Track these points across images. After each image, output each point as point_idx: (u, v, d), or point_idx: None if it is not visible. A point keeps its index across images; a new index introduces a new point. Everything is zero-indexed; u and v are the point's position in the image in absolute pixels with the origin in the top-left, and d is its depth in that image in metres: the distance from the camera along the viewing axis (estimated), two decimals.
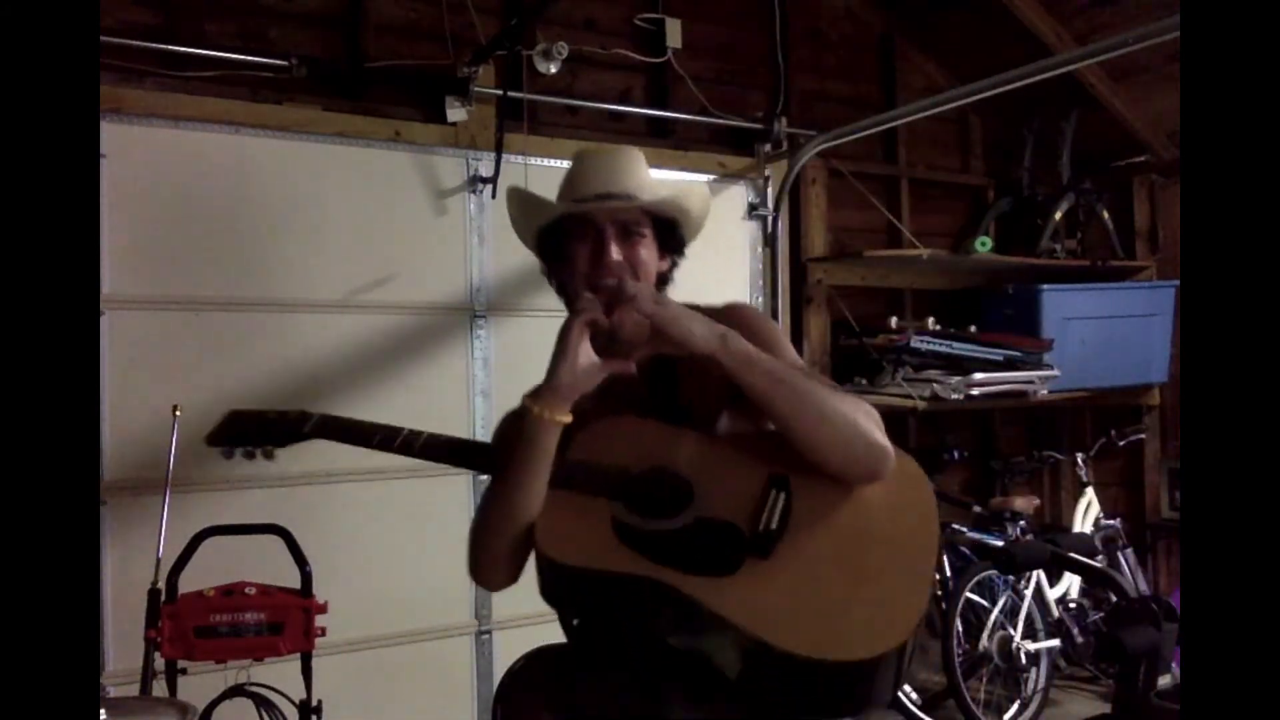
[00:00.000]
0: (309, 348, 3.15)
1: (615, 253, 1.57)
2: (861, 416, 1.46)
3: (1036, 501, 4.31)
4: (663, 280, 1.68)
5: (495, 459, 1.58)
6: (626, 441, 1.53)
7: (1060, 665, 4.09)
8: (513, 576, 1.60)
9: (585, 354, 1.50)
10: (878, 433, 1.46)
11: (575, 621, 1.69)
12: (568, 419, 1.50)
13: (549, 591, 1.55)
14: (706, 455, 1.52)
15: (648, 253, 1.61)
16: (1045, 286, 4.22)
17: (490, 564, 1.59)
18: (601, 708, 1.49)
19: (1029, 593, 3.86)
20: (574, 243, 1.60)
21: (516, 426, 1.56)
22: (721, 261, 3.87)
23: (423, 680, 3.28)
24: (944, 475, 4.35)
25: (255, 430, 1.72)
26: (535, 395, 1.52)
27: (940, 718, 3.78)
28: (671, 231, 1.66)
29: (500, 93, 3.34)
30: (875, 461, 1.45)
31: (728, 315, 1.57)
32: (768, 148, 4.03)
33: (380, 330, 3.27)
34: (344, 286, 3.21)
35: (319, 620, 2.51)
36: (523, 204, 1.69)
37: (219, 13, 3.18)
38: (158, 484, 2.61)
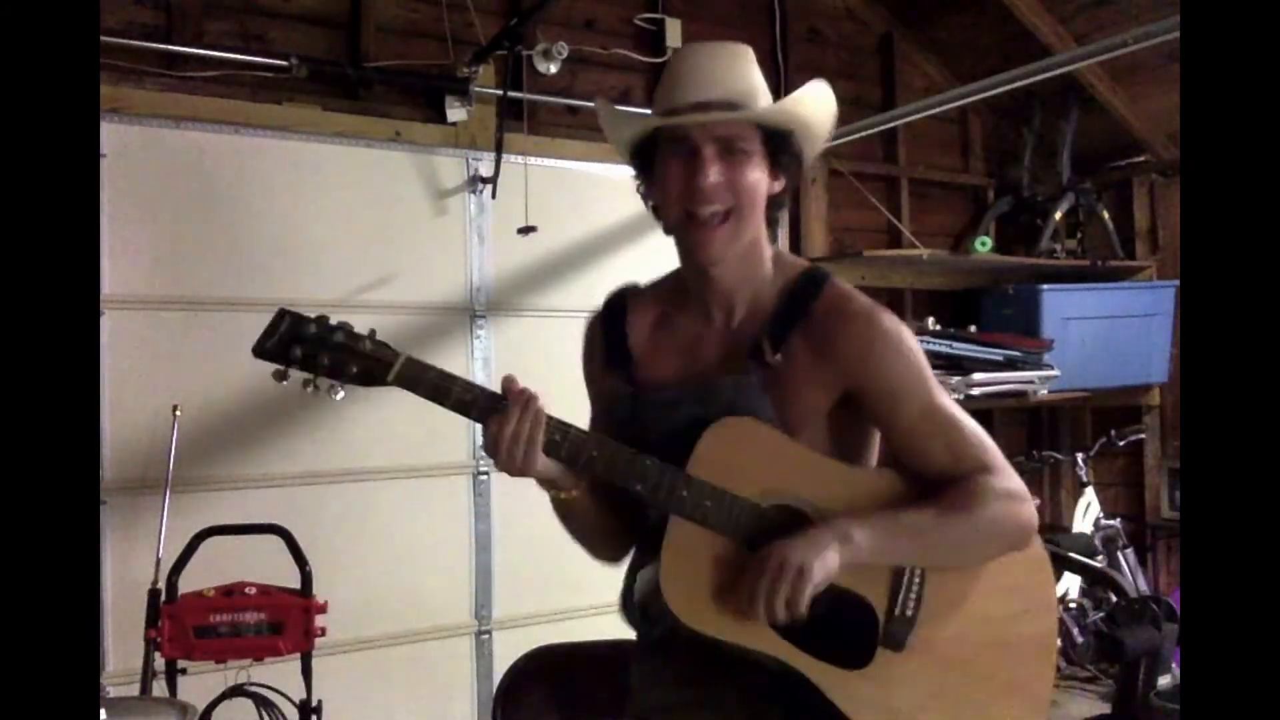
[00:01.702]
0: None
1: (714, 174, 1.33)
2: (1005, 508, 1.35)
3: (1037, 501, 4.30)
4: (775, 205, 1.43)
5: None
6: (752, 460, 1.33)
7: (1060, 665, 4.09)
8: (623, 551, 1.51)
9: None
10: (1020, 507, 1.37)
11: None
12: (573, 494, 1.39)
13: (664, 632, 1.38)
14: (834, 493, 1.34)
15: (755, 173, 1.36)
16: (1045, 286, 4.21)
17: (591, 551, 1.52)
18: None
19: None
20: (667, 160, 1.37)
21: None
22: None
23: (423, 680, 3.27)
24: None
25: (320, 352, 1.35)
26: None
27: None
28: (785, 146, 1.40)
29: (500, 93, 3.34)
30: (1020, 544, 1.40)
31: (850, 318, 1.38)
32: None
33: (380, 330, 3.24)
34: (344, 286, 3.21)
35: (319, 620, 2.51)
36: (610, 116, 1.50)
37: (219, 13, 3.18)
38: (158, 484, 2.62)
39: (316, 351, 1.33)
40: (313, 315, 1.35)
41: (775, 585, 1.23)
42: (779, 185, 1.42)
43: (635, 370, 1.44)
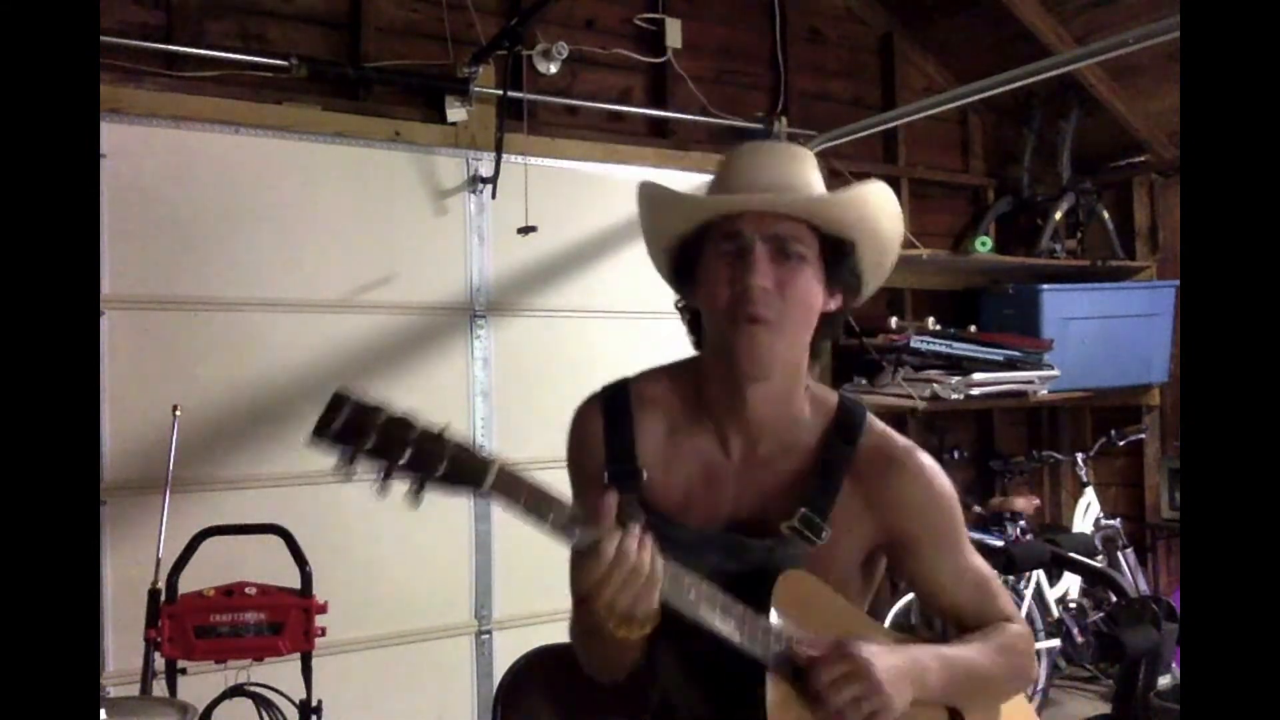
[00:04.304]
0: (309, 348, 3.15)
1: (765, 275, 1.18)
2: (1028, 660, 1.37)
3: (1036, 501, 4.31)
4: (829, 323, 1.27)
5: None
6: (819, 618, 1.22)
7: (1060, 665, 4.09)
8: (627, 673, 1.33)
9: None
10: (1033, 661, 1.38)
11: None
12: (636, 635, 1.16)
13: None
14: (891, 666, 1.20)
15: (809, 282, 1.21)
16: (1045, 286, 4.22)
17: (600, 672, 1.35)
18: None
19: (1029, 593, 3.85)
20: (713, 261, 1.22)
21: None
22: None
23: (423, 680, 3.27)
24: None
25: (399, 446, 1.07)
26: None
27: None
28: (844, 257, 1.24)
29: (500, 93, 3.34)
30: (1023, 689, 1.42)
31: (896, 466, 1.29)
32: None
33: (380, 330, 3.27)
34: (344, 286, 3.21)
35: (319, 620, 2.51)
36: (653, 202, 1.29)
37: (219, 13, 3.18)
38: (158, 484, 2.62)
39: (390, 449, 1.07)
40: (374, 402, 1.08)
41: (855, 697, 1.14)
42: (834, 304, 1.26)
43: (645, 491, 1.26)
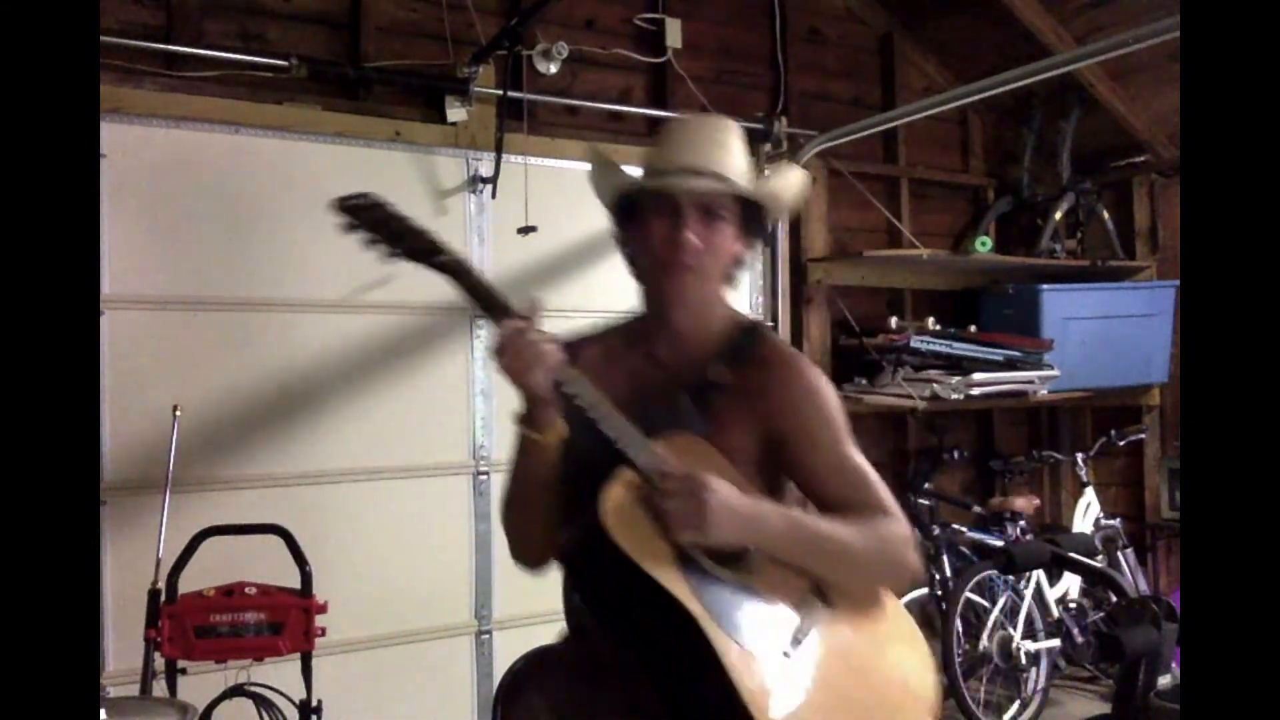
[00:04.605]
0: (309, 348, 3.15)
1: (693, 232, 1.48)
2: (896, 541, 1.48)
3: (1036, 501, 4.31)
4: (738, 263, 1.58)
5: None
6: (703, 465, 1.44)
7: (1060, 665, 4.09)
8: (542, 554, 1.58)
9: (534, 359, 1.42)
10: (908, 549, 1.49)
11: (578, 598, 1.58)
12: (545, 437, 1.46)
13: (581, 553, 1.47)
14: (727, 504, 1.44)
15: (728, 237, 1.52)
16: (1045, 286, 4.22)
17: (517, 543, 1.59)
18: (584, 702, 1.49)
19: (1029, 593, 3.86)
20: (650, 217, 1.51)
21: None
22: None
23: (423, 680, 3.27)
24: (944, 475, 4.35)
25: (387, 225, 1.63)
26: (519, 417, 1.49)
27: (940, 718, 3.78)
28: (756, 215, 1.56)
29: (500, 93, 3.34)
30: (902, 581, 1.54)
31: (778, 367, 1.52)
32: (768, 148, 4.03)
33: (380, 330, 3.27)
34: (344, 286, 3.21)
35: (319, 620, 2.51)
36: (604, 167, 1.62)
37: (219, 13, 3.18)
38: (158, 484, 2.61)
39: (386, 222, 1.59)
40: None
41: (681, 501, 1.36)
42: (742, 249, 1.57)
43: None
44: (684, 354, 1.56)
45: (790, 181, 1.62)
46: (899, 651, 1.55)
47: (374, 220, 1.60)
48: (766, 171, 1.60)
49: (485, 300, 1.52)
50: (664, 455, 1.42)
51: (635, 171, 1.62)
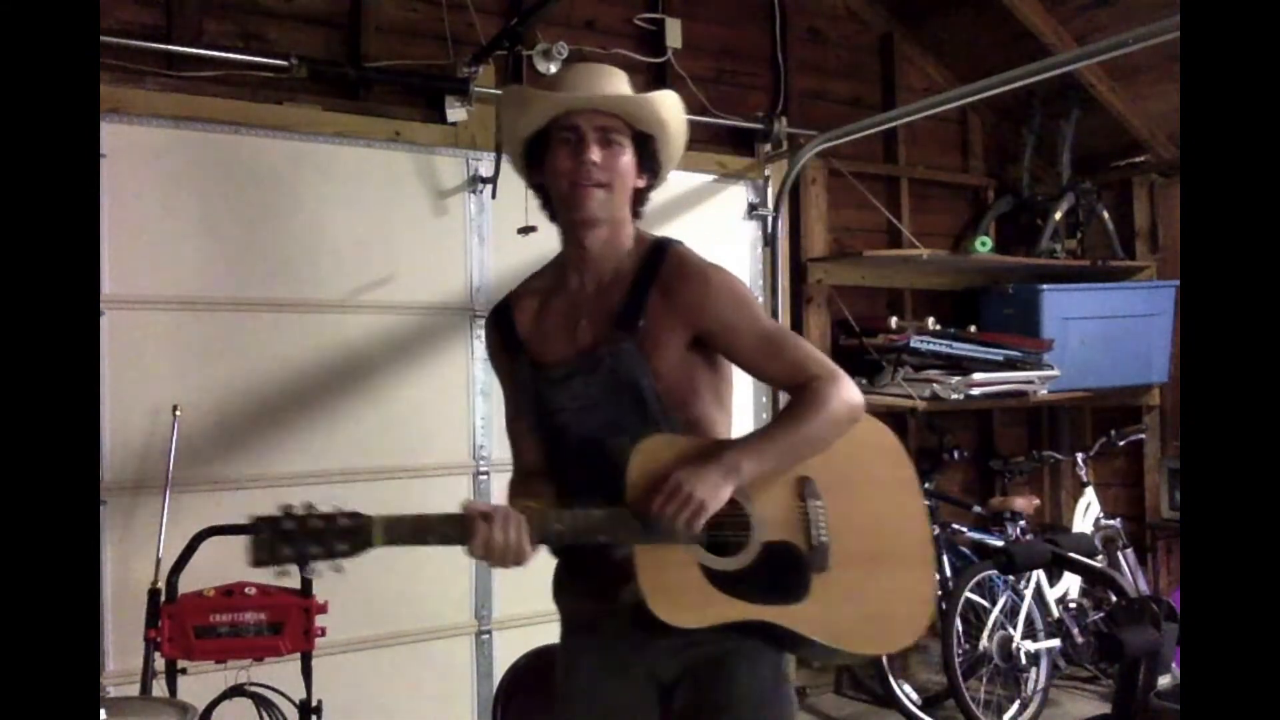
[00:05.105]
0: (309, 348, 3.15)
1: (595, 154, 1.62)
2: (839, 400, 1.63)
3: (1036, 501, 4.31)
4: (640, 198, 1.73)
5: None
6: (673, 466, 1.56)
7: (1060, 665, 4.09)
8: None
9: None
10: (849, 394, 1.65)
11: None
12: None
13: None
14: (701, 476, 1.57)
15: (626, 161, 1.66)
16: (1045, 286, 4.21)
17: None
18: None
19: (1029, 593, 3.85)
20: (558, 147, 1.65)
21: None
22: (721, 261, 3.86)
23: (423, 680, 3.28)
24: (944, 475, 4.34)
25: (310, 543, 1.55)
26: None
27: (940, 718, 3.78)
28: (649, 149, 1.70)
29: (500, 93, 3.34)
30: (857, 418, 1.67)
31: (691, 278, 1.65)
32: (768, 148, 4.03)
33: (380, 330, 3.27)
34: (344, 286, 3.21)
35: (319, 620, 2.51)
36: (515, 103, 1.73)
37: (219, 13, 3.18)
38: (157, 484, 2.62)
39: (304, 546, 1.53)
40: (278, 512, 1.51)
41: (678, 511, 1.50)
42: (643, 182, 1.71)
43: (529, 354, 1.70)
44: (605, 279, 1.69)
45: (669, 102, 1.73)
46: (883, 462, 1.74)
47: (301, 544, 1.54)
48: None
49: (438, 536, 1.59)
50: (635, 495, 1.53)
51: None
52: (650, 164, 1.71)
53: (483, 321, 3.40)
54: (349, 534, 1.54)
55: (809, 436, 1.62)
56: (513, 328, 1.73)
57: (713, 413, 1.68)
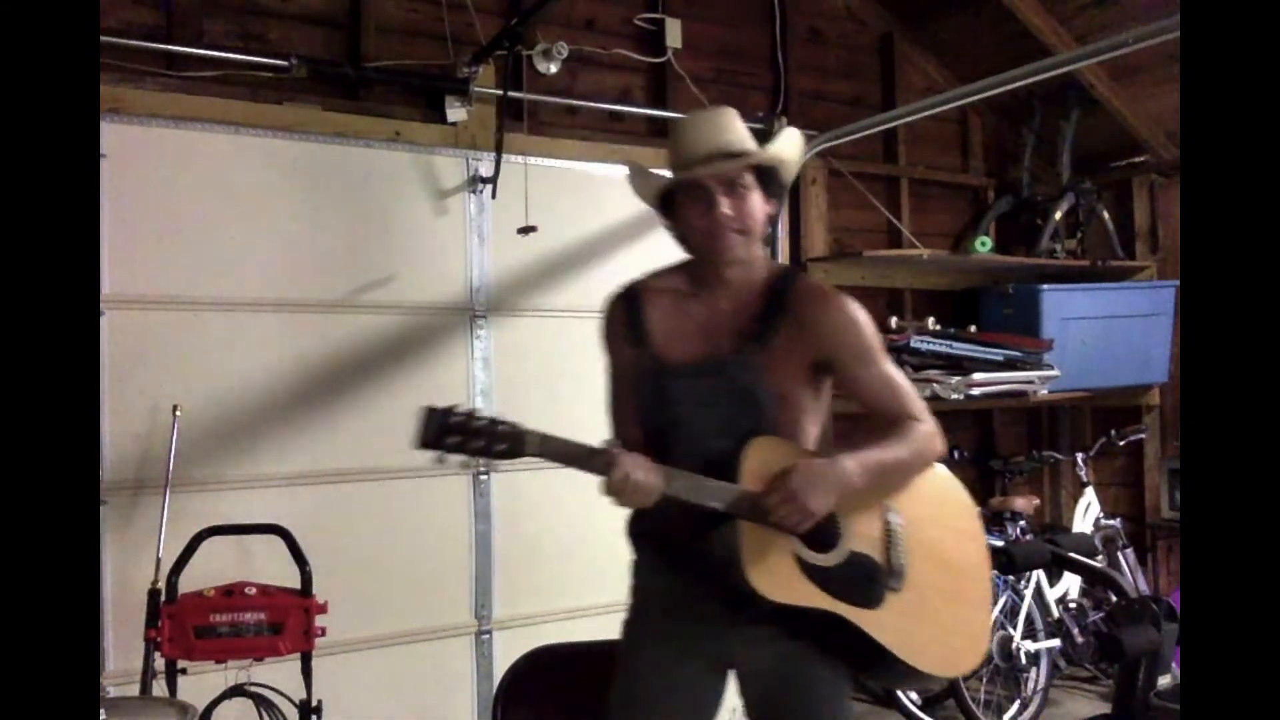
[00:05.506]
0: (309, 348, 3.15)
1: (725, 207, 1.73)
2: (931, 447, 1.80)
3: (1036, 501, 4.31)
4: (771, 220, 1.87)
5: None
6: (776, 462, 1.69)
7: (1060, 665, 4.09)
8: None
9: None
10: (939, 444, 1.81)
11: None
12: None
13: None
14: (814, 482, 1.71)
15: (754, 203, 1.77)
16: (1045, 286, 4.21)
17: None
18: None
19: (1029, 593, 3.86)
20: (687, 204, 1.77)
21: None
22: None
23: (423, 680, 3.27)
24: None
25: (472, 438, 1.62)
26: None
27: (940, 718, 3.78)
28: (773, 178, 1.81)
29: (500, 93, 3.34)
30: (933, 464, 1.84)
31: (819, 303, 1.78)
32: None
33: (380, 330, 3.27)
34: (344, 286, 3.21)
35: (319, 620, 2.51)
36: (639, 176, 1.89)
37: (219, 13, 3.18)
38: (157, 484, 2.62)
39: (468, 439, 1.61)
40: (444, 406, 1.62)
41: (790, 513, 1.63)
42: (772, 208, 1.83)
43: (655, 347, 1.80)
44: (741, 299, 1.80)
45: (791, 140, 1.87)
46: (957, 514, 1.90)
47: (464, 438, 1.63)
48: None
49: (582, 462, 1.65)
50: (751, 482, 1.67)
51: (663, 172, 1.85)
52: (776, 190, 1.83)
53: (482, 321, 3.40)
54: (508, 438, 1.60)
55: (902, 468, 1.78)
56: (640, 317, 1.83)
57: (811, 432, 1.81)
